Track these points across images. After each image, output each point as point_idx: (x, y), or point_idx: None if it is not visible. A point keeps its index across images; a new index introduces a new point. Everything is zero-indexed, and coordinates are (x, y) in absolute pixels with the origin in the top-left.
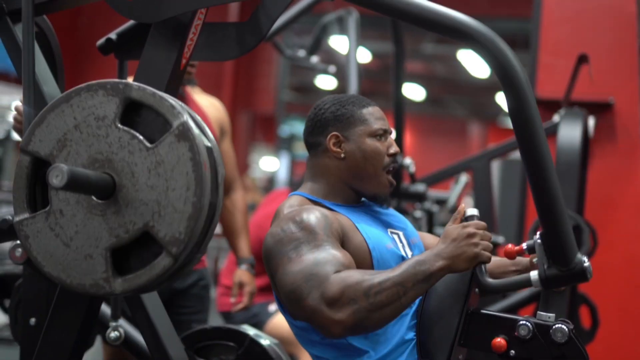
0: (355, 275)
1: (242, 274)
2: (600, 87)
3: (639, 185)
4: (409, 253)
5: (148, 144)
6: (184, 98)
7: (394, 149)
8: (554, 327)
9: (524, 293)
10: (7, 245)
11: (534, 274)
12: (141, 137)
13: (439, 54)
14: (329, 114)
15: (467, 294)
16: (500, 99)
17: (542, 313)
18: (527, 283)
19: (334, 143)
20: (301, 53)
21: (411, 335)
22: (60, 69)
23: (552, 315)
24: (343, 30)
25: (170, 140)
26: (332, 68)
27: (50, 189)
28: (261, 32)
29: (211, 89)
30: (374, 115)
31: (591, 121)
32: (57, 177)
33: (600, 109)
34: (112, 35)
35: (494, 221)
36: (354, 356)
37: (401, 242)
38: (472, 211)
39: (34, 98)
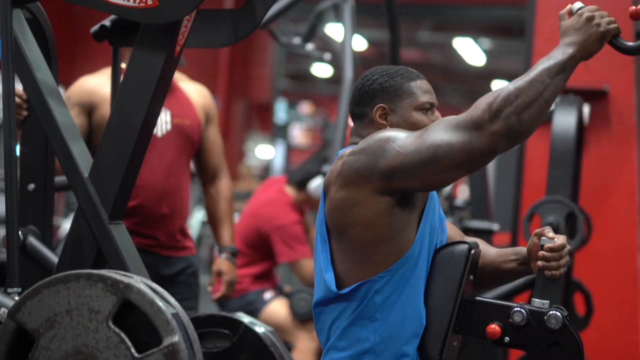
0: (485, 98)
1: (222, 262)
2: (595, 74)
3: (633, 173)
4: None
5: (135, 354)
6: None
7: None
8: (548, 313)
9: (518, 280)
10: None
11: None
12: (130, 344)
13: (435, 41)
14: (377, 85)
15: (461, 281)
16: (496, 86)
17: (536, 300)
18: None
19: (380, 115)
20: (296, 40)
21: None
22: (54, 56)
23: (546, 302)
24: (338, 18)
25: (158, 358)
26: (327, 55)
27: None
28: (256, 19)
29: (206, 78)
30: (421, 88)
31: (586, 108)
32: None
33: (595, 96)
34: (106, 22)
35: (488, 208)
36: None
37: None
38: (578, 4)
39: (29, 85)
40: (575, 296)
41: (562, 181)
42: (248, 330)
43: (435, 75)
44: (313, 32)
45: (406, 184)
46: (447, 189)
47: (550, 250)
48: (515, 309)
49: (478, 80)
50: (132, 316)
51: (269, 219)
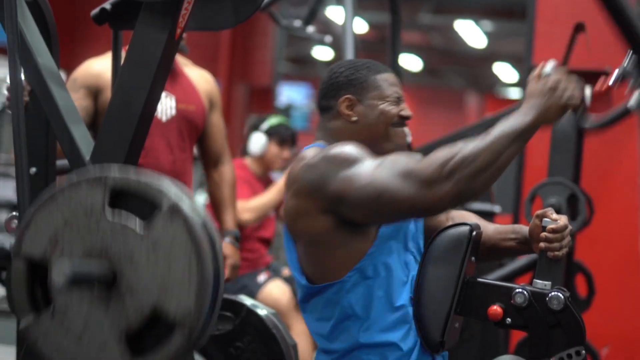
0: (442, 154)
1: (226, 246)
2: (597, 56)
3: (635, 155)
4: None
5: (140, 230)
6: (174, 70)
7: (406, 112)
8: (550, 295)
9: (520, 262)
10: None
11: (634, 97)
12: (132, 225)
13: (436, 24)
14: (343, 78)
15: (463, 262)
16: (497, 69)
17: (538, 281)
18: (627, 111)
19: (347, 106)
20: (297, 23)
21: (411, 309)
22: (55, 40)
23: (548, 283)
24: (339, 1)
25: (163, 222)
26: (328, 38)
27: (51, 287)
28: (256, 1)
29: (207, 62)
30: (387, 81)
31: (588, 91)
32: (59, 275)
33: (597, 77)
34: (107, 5)
35: (490, 191)
36: (348, 320)
37: None
38: (549, 66)
39: (30, 70)
40: (577, 278)
41: (563, 163)
42: (250, 313)
43: (436, 57)
44: (314, 15)
45: (349, 215)
46: None
47: (553, 231)
48: (517, 290)
49: (479, 63)
50: (125, 201)
51: None
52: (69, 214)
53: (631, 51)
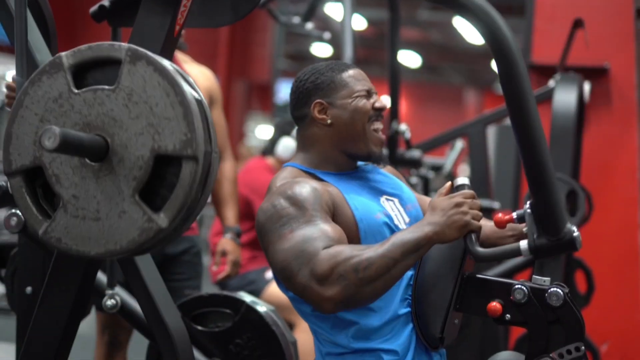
0: (344, 252)
1: (226, 242)
2: (595, 51)
3: (634, 150)
4: (406, 220)
5: (110, 87)
6: None
7: (380, 103)
8: (549, 291)
9: (519, 258)
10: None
11: (523, 244)
12: (100, 87)
13: (435, 20)
14: (309, 84)
15: (462, 258)
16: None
17: (537, 277)
18: (517, 252)
19: (319, 111)
20: (296, 20)
21: (404, 310)
22: (54, 37)
23: (547, 279)
24: None
25: (127, 69)
26: (327, 35)
27: (53, 184)
28: None
29: (206, 58)
30: (354, 77)
31: (586, 86)
32: (49, 139)
33: (596, 73)
34: (105, 2)
35: (489, 187)
36: (342, 327)
37: (397, 209)
38: (462, 180)
39: (27, 67)
40: (577, 274)
41: (562, 159)
42: (250, 310)
43: (435, 54)
44: (312, 12)
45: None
46: (447, 168)
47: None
48: (517, 286)
49: (478, 59)
50: (90, 73)
51: (247, 183)
52: (42, 110)
53: (533, 194)
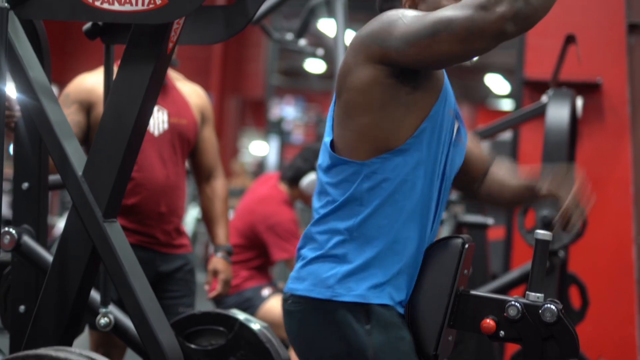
0: None
1: (218, 261)
2: (588, 67)
3: (627, 165)
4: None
5: None
6: (166, 84)
7: None
8: (543, 307)
9: (513, 274)
10: None
11: None
12: None
13: None
14: None
15: (455, 274)
16: (489, 81)
17: (531, 293)
18: None
19: (410, 5)
20: (289, 36)
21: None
22: (47, 54)
23: (541, 295)
24: (331, 13)
25: None
26: (320, 51)
27: None
28: (248, 14)
29: (200, 75)
30: None
31: (579, 101)
32: None
33: (589, 89)
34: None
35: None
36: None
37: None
38: None
39: (21, 84)
40: (571, 289)
41: None
42: (243, 327)
43: None
44: (305, 28)
45: (400, 54)
46: None
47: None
48: (510, 302)
49: (470, 75)
50: None
51: (263, 216)
52: None
53: None
